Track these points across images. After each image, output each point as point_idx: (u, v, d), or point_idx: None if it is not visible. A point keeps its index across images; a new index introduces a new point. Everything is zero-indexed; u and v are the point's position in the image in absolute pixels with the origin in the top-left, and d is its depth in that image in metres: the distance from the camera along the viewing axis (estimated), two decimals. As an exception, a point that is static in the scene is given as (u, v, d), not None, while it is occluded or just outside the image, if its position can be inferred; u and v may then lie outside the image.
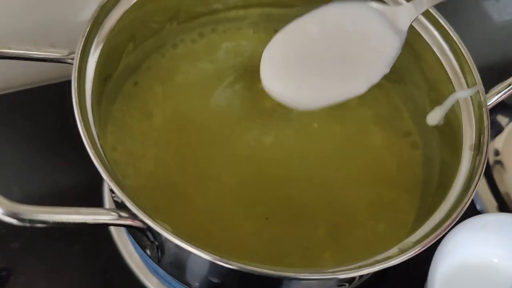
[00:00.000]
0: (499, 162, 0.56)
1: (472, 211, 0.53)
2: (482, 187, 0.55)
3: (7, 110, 0.53)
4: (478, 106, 0.41)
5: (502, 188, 0.55)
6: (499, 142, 0.57)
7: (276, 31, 0.43)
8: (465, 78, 0.42)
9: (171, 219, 0.40)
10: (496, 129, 0.58)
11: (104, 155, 0.35)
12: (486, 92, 0.42)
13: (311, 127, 0.46)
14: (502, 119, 0.58)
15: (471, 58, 0.42)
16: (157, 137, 0.44)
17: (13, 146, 0.52)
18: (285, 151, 0.45)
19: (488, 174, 0.55)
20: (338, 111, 0.47)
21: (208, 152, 0.44)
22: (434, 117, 0.44)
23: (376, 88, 0.49)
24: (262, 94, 0.47)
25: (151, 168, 0.42)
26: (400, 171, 0.45)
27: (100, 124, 0.38)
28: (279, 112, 0.46)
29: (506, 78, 0.59)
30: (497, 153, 0.57)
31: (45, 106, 0.54)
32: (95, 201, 0.49)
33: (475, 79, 0.41)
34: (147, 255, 0.39)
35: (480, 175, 0.37)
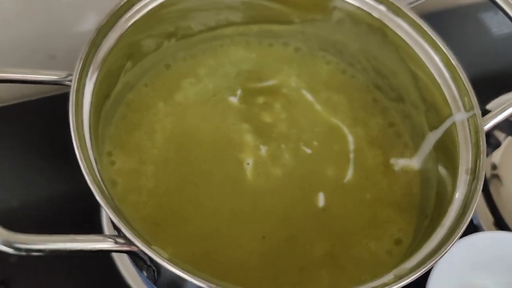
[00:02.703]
0: (496, 176, 0.56)
1: (468, 225, 0.53)
2: (478, 201, 0.55)
3: (5, 123, 0.53)
4: (475, 130, 0.41)
5: (498, 202, 0.55)
6: (496, 156, 0.57)
7: (273, 47, 0.43)
8: (462, 100, 0.42)
9: (170, 236, 0.40)
10: (494, 144, 0.58)
11: (101, 179, 0.35)
12: (485, 113, 0.42)
13: (310, 146, 0.46)
14: (499, 134, 0.58)
15: (468, 82, 0.42)
16: (157, 155, 0.43)
17: (11, 158, 0.52)
18: (283, 169, 0.45)
19: (485, 188, 0.55)
20: (335, 130, 0.47)
21: (206, 170, 0.43)
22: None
23: (375, 105, 0.49)
24: (262, 111, 0.47)
25: (151, 186, 0.42)
26: (397, 190, 0.45)
27: (98, 144, 0.38)
28: (279, 129, 0.47)
29: (504, 91, 0.59)
30: (494, 167, 0.57)
31: (42, 118, 0.54)
32: (92, 212, 0.49)
33: (472, 102, 0.41)
34: (144, 275, 0.39)
35: (476, 202, 0.37)
